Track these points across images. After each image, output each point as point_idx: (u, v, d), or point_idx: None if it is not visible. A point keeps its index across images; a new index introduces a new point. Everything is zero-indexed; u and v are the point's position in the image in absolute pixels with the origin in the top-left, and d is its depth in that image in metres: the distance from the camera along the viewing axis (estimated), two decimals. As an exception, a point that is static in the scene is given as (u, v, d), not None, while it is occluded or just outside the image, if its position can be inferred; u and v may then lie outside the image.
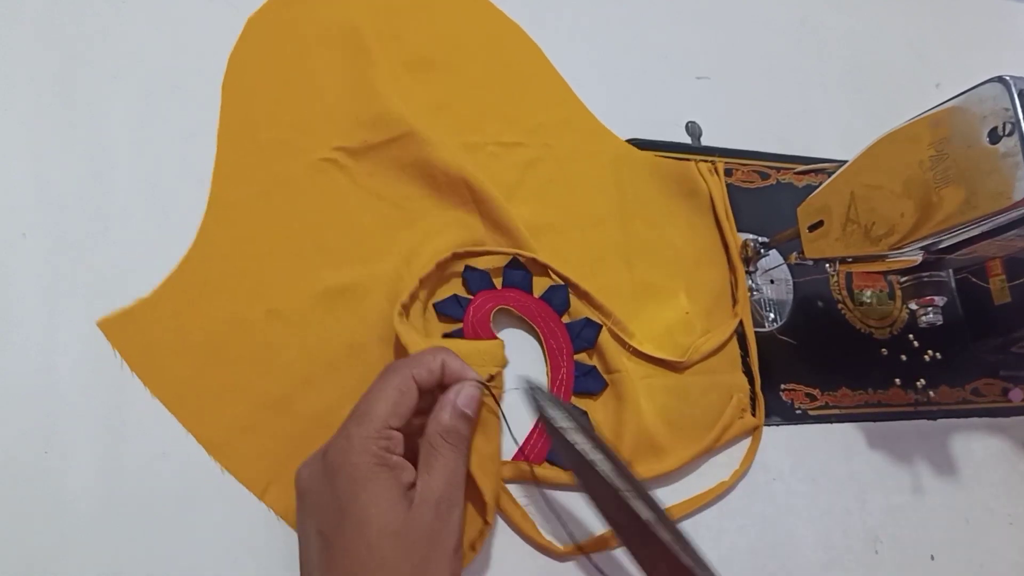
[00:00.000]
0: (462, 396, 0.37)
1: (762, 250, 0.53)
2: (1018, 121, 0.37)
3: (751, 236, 0.54)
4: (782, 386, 0.53)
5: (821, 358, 0.55)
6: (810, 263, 0.51)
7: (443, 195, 0.47)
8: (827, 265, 0.50)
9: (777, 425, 0.51)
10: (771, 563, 0.47)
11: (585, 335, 0.47)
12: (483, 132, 0.50)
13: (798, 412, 0.52)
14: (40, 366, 0.38)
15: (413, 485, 0.34)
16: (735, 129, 0.58)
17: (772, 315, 0.54)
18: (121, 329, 0.40)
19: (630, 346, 0.48)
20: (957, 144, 0.39)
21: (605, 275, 0.50)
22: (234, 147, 0.45)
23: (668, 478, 0.46)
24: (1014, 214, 0.38)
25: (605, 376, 0.46)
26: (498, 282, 0.47)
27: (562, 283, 0.47)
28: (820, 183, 0.48)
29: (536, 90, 0.53)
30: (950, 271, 0.59)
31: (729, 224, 0.54)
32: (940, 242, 0.42)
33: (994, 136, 0.38)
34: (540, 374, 0.46)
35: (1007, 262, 0.57)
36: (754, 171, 0.58)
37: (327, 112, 0.47)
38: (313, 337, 0.42)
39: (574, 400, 0.46)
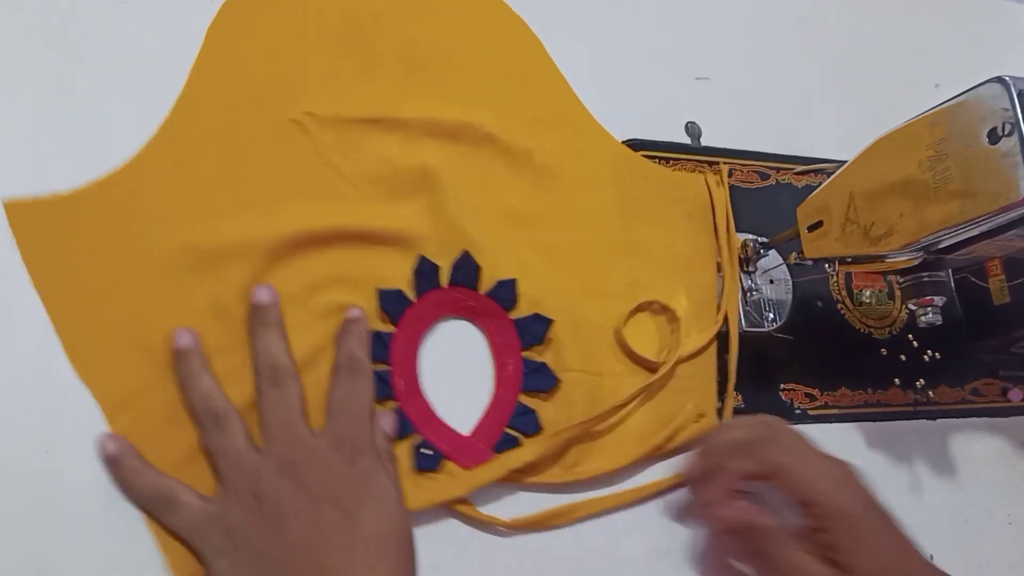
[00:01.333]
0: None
1: (762, 250, 0.53)
2: (1018, 121, 0.37)
3: (751, 236, 0.54)
4: (782, 386, 0.53)
5: (821, 358, 0.55)
6: (809, 263, 0.51)
7: (398, 181, 0.47)
8: (826, 265, 0.50)
9: (777, 425, 0.51)
10: (770, 563, 0.47)
11: (534, 330, 0.46)
12: (476, 122, 0.50)
13: (798, 412, 0.52)
14: (40, 366, 0.38)
15: None
16: (735, 129, 0.58)
17: (772, 315, 0.54)
18: (26, 215, 0.40)
19: (619, 332, 0.48)
20: (956, 144, 0.39)
21: (592, 269, 0.49)
22: (203, 85, 0.45)
23: (617, 476, 0.46)
24: (1013, 214, 0.38)
25: (558, 374, 0.46)
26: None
27: (510, 278, 0.46)
28: (820, 183, 0.48)
29: (534, 85, 0.53)
30: (949, 271, 0.59)
31: (728, 235, 0.53)
32: (939, 242, 0.42)
33: (994, 136, 0.38)
34: (487, 370, 0.46)
35: (1006, 262, 0.57)
36: (754, 171, 0.58)
37: (307, 77, 0.47)
38: (218, 279, 0.41)
39: (523, 398, 0.45)
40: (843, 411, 0.53)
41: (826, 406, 0.53)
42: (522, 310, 0.47)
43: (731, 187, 0.56)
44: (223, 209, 0.43)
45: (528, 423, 0.44)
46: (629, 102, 0.56)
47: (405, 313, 0.44)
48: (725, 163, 0.56)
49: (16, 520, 0.36)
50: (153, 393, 0.39)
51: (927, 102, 0.42)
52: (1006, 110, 0.37)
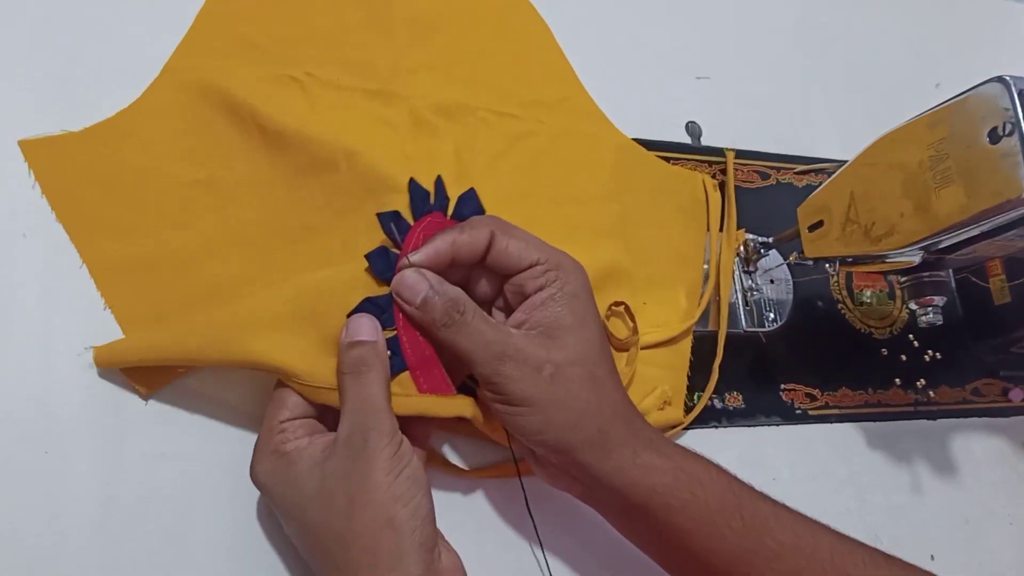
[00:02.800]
0: (348, 328, 0.36)
1: (762, 250, 0.53)
2: (1018, 121, 0.37)
3: (751, 236, 0.54)
4: (782, 386, 0.53)
5: (821, 358, 0.55)
6: (810, 263, 0.51)
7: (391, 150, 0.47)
8: (827, 265, 0.50)
9: (777, 425, 0.51)
10: (771, 563, 0.47)
11: None
12: (476, 98, 0.50)
13: (798, 412, 0.52)
14: (40, 366, 0.38)
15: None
16: (735, 129, 0.58)
17: (772, 315, 0.54)
18: (41, 152, 0.41)
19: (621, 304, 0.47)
20: (957, 144, 0.39)
21: (571, 249, 0.48)
22: (208, 32, 0.45)
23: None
24: (1013, 214, 0.38)
25: None
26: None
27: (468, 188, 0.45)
28: (820, 183, 0.48)
29: (537, 67, 0.53)
30: (950, 271, 0.59)
31: (726, 233, 0.53)
32: (940, 242, 0.42)
33: (994, 136, 0.38)
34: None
35: (1007, 262, 0.57)
36: (754, 171, 0.58)
37: (314, 39, 0.47)
38: (232, 213, 0.43)
39: None
40: (843, 411, 0.53)
41: (827, 406, 0.53)
42: None
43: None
44: (230, 147, 0.44)
45: None
46: (629, 102, 0.56)
47: (406, 236, 0.41)
48: (729, 149, 0.56)
49: (16, 520, 0.36)
50: (171, 313, 0.40)
51: (927, 102, 0.42)
52: (1007, 110, 0.37)
